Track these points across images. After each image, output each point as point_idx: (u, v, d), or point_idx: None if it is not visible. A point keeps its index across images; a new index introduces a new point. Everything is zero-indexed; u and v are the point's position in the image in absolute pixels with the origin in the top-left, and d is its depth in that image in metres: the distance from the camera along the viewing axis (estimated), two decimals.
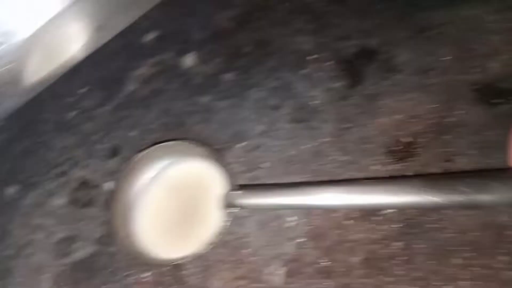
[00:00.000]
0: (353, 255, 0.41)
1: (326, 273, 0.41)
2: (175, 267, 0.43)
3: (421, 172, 0.41)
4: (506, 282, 0.38)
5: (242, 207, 0.43)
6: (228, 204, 0.44)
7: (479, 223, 0.40)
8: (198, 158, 0.47)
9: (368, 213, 0.42)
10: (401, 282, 0.40)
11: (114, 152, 0.48)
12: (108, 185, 0.47)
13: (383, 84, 0.46)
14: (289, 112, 0.47)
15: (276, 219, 0.44)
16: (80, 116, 0.50)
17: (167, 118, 0.49)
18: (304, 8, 0.50)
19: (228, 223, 0.44)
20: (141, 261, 0.45)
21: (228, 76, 0.48)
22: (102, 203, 0.47)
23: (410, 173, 0.42)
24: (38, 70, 0.48)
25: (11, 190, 0.49)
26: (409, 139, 0.43)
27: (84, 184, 0.48)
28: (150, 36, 0.52)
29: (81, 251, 0.45)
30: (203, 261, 0.43)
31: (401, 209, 0.41)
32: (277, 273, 0.42)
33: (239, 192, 0.44)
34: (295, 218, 0.43)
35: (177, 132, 0.48)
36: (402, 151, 0.42)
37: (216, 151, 0.47)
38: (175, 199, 0.47)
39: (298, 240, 0.43)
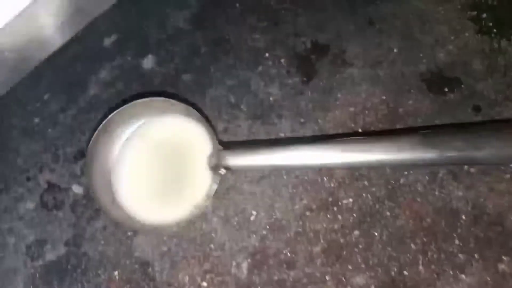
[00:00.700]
0: (314, 245, 0.43)
1: (289, 263, 0.43)
2: (143, 264, 0.45)
3: None
4: (460, 265, 0.41)
5: (230, 168, 0.44)
6: (216, 165, 0.45)
7: (432, 209, 0.42)
8: (178, 115, 0.47)
9: (326, 204, 0.44)
10: (361, 269, 0.42)
11: (79, 156, 0.49)
12: (75, 188, 0.48)
13: (336, 78, 0.47)
14: (248, 109, 0.48)
15: (239, 213, 0.45)
16: (45, 121, 0.50)
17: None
18: (256, 6, 0.51)
19: (215, 186, 0.45)
20: (127, 227, 0.46)
21: (187, 76, 0.49)
22: (70, 206, 0.47)
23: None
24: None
25: None
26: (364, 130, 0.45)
27: (52, 187, 0.48)
28: (109, 40, 0.52)
29: (52, 253, 0.46)
30: (170, 257, 0.45)
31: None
32: (242, 266, 0.44)
33: (227, 151, 0.44)
34: (256, 212, 0.45)
35: None
36: None
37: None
38: (157, 159, 0.47)
39: (261, 233, 0.44)
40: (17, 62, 0.49)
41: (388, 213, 0.42)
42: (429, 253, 0.41)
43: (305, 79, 0.48)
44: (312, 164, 0.43)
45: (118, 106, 0.47)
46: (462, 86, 0.45)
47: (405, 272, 0.41)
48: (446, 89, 0.45)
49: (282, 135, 0.47)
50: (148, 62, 0.51)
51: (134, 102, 0.47)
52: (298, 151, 0.42)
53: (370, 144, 0.40)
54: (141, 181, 0.47)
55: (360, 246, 0.42)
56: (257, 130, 0.47)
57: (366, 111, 0.46)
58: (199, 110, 0.47)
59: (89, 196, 0.47)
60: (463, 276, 0.40)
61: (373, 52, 0.47)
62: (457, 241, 0.41)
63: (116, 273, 0.45)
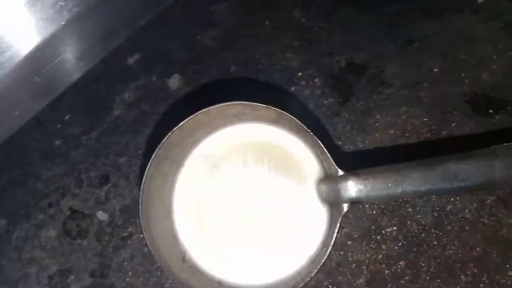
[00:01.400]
0: (357, 277, 0.41)
1: None
2: None
3: None
4: None
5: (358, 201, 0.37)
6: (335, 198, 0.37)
7: (482, 238, 0.40)
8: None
9: (368, 232, 0.41)
10: None
11: (104, 180, 0.47)
12: (100, 215, 0.46)
13: (374, 98, 0.45)
14: None
15: None
16: (67, 144, 0.48)
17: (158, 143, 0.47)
18: (287, 24, 0.49)
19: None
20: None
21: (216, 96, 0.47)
22: (94, 233, 0.45)
23: None
24: (23, 100, 0.47)
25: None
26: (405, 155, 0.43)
27: (75, 214, 0.46)
28: (133, 59, 0.50)
29: (77, 284, 0.44)
30: None
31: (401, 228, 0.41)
32: None
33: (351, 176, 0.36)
34: None
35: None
36: None
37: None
38: (238, 191, 0.40)
39: None
40: (43, 87, 0.47)
41: (435, 242, 0.40)
42: (481, 286, 0.39)
43: (341, 99, 0.46)
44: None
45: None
46: (508, 107, 0.43)
47: None
48: (491, 111, 0.43)
49: None
50: (173, 82, 0.49)
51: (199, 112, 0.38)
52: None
53: None
54: (222, 226, 0.40)
55: (407, 278, 0.40)
56: None
57: (407, 134, 0.43)
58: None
59: (114, 224, 0.45)
60: None
61: (413, 72, 0.45)
62: (510, 273, 0.39)
63: None
